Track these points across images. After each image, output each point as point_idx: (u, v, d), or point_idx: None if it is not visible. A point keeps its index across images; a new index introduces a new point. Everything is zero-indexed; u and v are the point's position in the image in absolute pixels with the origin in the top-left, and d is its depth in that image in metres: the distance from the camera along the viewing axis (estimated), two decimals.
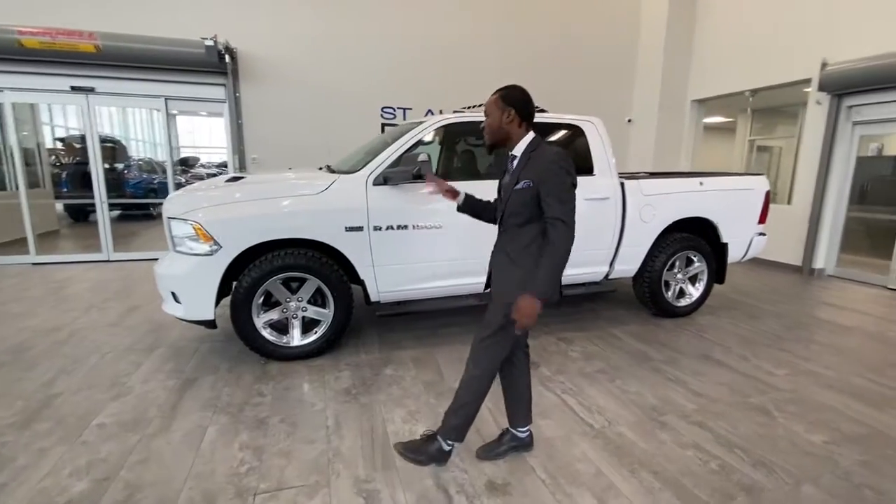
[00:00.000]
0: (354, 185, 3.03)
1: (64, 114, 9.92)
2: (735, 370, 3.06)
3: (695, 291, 4.17)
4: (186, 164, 14.48)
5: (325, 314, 3.09)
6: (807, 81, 5.94)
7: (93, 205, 6.02)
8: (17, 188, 5.83)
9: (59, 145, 9.61)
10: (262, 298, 2.96)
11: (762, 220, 4.28)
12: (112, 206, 6.18)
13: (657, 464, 2.05)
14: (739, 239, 4.21)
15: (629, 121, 8.02)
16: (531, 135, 1.84)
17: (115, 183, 9.04)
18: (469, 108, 3.58)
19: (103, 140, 10.63)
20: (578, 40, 7.54)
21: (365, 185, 3.03)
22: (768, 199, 4.28)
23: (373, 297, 3.21)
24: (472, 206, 2.17)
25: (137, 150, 11.53)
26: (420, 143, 3.19)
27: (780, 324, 4.02)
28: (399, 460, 2.02)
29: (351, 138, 6.51)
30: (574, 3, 7.47)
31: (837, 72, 5.41)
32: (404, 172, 2.93)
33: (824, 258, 5.95)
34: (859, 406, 2.60)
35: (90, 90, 5.71)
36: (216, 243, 2.78)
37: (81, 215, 8.77)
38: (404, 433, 2.25)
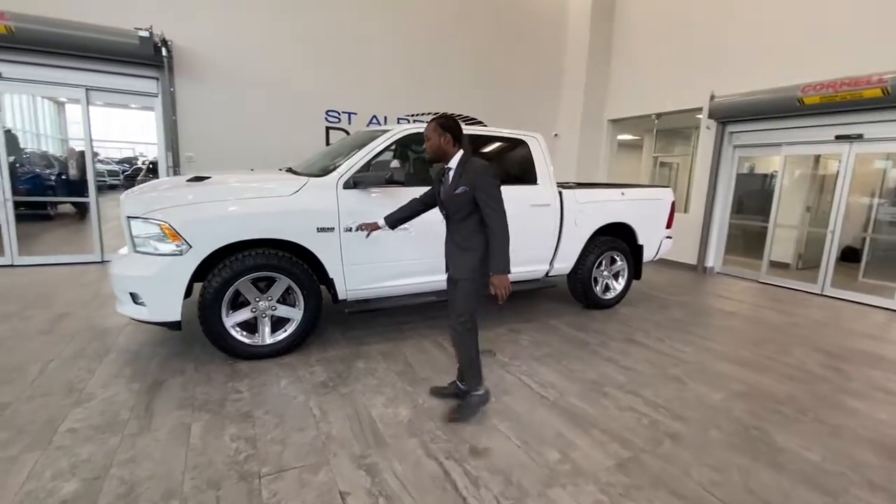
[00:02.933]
0: (326, 187, 3.17)
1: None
2: (654, 349, 3.67)
3: (618, 286, 4.82)
4: (83, 157, 13.00)
5: (296, 312, 3.18)
6: (699, 109, 7.06)
7: None
8: None
9: None
10: (230, 298, 2.99)
11: (669, 225, 5.07)
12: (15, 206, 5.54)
13: (603, 423, 2.49)
14: (652, 241, 4.96)
15: (556, 135, 8.83)
16: (461, 151, 2.36)
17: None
18: (413, 117, 3.87)
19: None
20: (510, 59, 8.18)
21: (336, 187, 3.19)
22: (674, 208, 5.08)
23: (341, 296, 3.35)
24: (398, 220, 2.76)
25: (29, 143, 10.20)
26: (386, 149, 3.42)
27: (684, 312, 4.80)
28: (390, 438, 2.24)
29: (294, 140, 6.51)
30: (505, 24, 8.10)
31: (723, 103, 6.53)
32: (377, 177, 3.13)
33: (713, 258, 7.09)
34: (745, 372, 3.29)
35: None
36: (185, 243, 2.78)
37: None
38: (389, 416, 2.46)
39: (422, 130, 3.68)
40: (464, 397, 2.54)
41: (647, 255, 4.95)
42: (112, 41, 5.12)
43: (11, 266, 5.45)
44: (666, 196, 5.01)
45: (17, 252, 5.52)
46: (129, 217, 2.84)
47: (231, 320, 3.00)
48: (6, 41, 4.83)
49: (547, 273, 4.36)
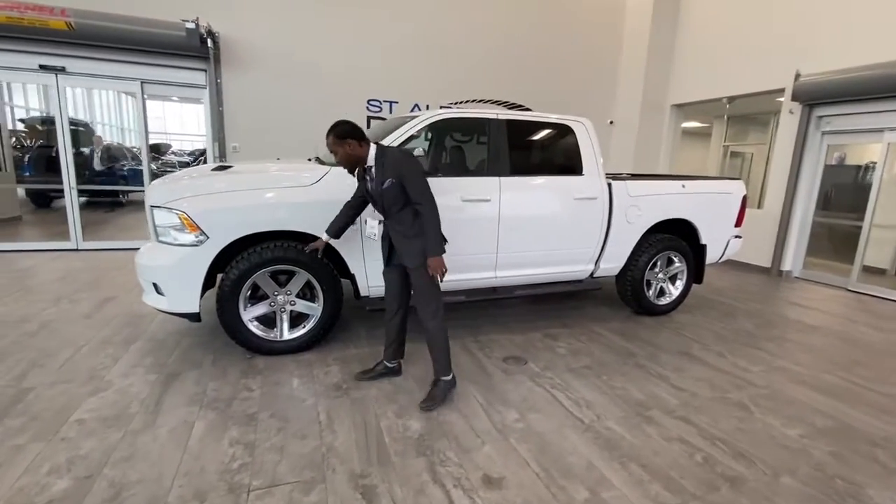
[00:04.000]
0: (347, 177, 2.98)
1: (24, 94, 9.41)
2: (713, 367, 3.18)
3: (674, 290, 4.30)
4: (157, 150, 13.94)
5: (315, 308, 3.04)
6: (781, 91, 6.19)
7: (57, 191, 5.73)
8: None
9: (21, 127, 9.10)
10: (248, 292, 2.90)
11: (739, 223, 4.45)
12: (79, 193, 5.90)
13: (645, 457, 2.12)
14: (718, 241, 4.37)
15: (611, 122, 8.18)
16: (373, 147, 2.36)
17: (80, 168, 8.63)
18: (457, 103, 3.58)
19: (74, 123, 10.16)
20: (564, 41, 7.63)
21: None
22: (745, 204, 4.45)
23: (362, 292, 3.18)
24: (338, 230, 2.75)
25: (105, 135, 11.03)
26: (412, 137, 3.17)
27: (752, 322, 4.19)
28: (395, 455, 2.02)
29: None
30: (560, 5, 7.55)
31: (810, 83, 5.66)
32: None
33: (791, 260, 6.24)
34: (830, 401, 2.75)
35: (60, 70, 5.43)
36: (203, 234, 2.70)
37: (44, 201, 8.34)
38: (398, 428, 2.25)
39: (455, 115, 3.43)
40: (434, 384, 2.54)
41: (711, 256, 4.37)
42: (161, 34, 5.26)
43: (76, 250, 5.82)
44: (736, 189, 4.39)
45: (80, 237, 5.89)
46: (151, 206, 2.81)
47: (249, 314, 2.91)
48: (67, 37, 5.08)
49: (592, 274, 3.95)
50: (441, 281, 2.37)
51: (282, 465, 1.94)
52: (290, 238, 2.93)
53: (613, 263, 3.97)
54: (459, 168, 3.89)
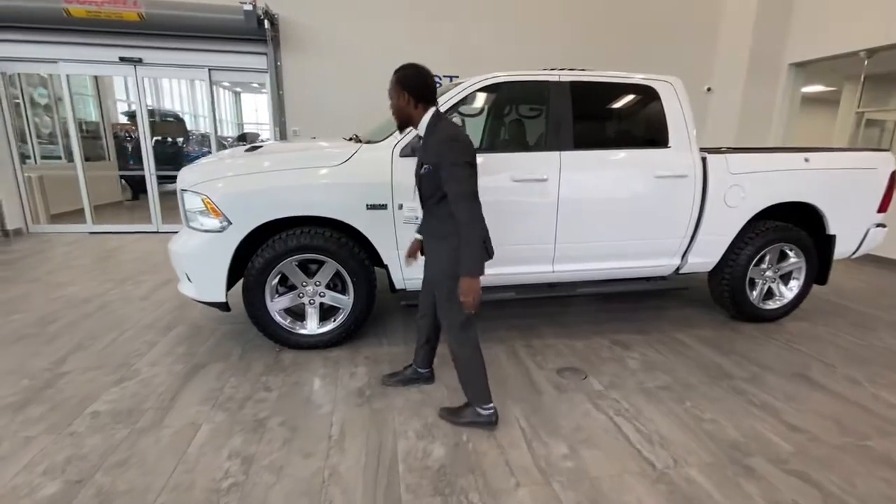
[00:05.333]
0: (378, 156, 2.63)
1: (125, 88, 10.30)
2: (842, 397, 2.41)
3: (787, 292, 3.43)
4: (244, 140, 14.83)
5: (345, 301, 2.77)
6: None
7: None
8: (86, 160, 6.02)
9: (126, 120, 10.04)
10: (276, 281, 2.69)
11: (883, 207, 3.43)
12: (165, 179, 6.26)
13: None
14: (852, 230, 3.40)
15: (708, 89, 6.99)
16: (429, 113, 1.86)
17: (175, 157, 9.30)
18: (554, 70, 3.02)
19: (165, 115, 11.02)
20: None
21: (391, 156, 2.63)
22: (893, 183, 3.41)
23: (397, 285, 2.84)
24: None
25: (200, 126, 11.88)
26: (457, 106, 2.72)
27: None
28: (406, 491, 1.66)
29: None
30: None
31: None
32: None
33: None
34: None
35: (138, 61, 5.71)
36: (226, 219, 2.52)
37: (142, 188, 9.15)
38: (417, 453, 1.88)
39: (508, 79, 2.90)
40: (466, 405, 2.09)
41: (842, 250, 3.42)
42: (221, 18, 5.28)
43: (156, 232, 6.21)
44: (883, 164, 3.36)
45: (161, 220, 6.27)
46: (181, 190, 2.68)
47: (276, 305, 2.71)
48: (140, 28, 5.29)
49: (677, 269, 3.25)
50: (469, 311, 1.81)
51: (275, 490, 1.67)
52: (321, 224, 2.66)
53: (706, 258, 3.22)
54: (516, 143, 3.38)
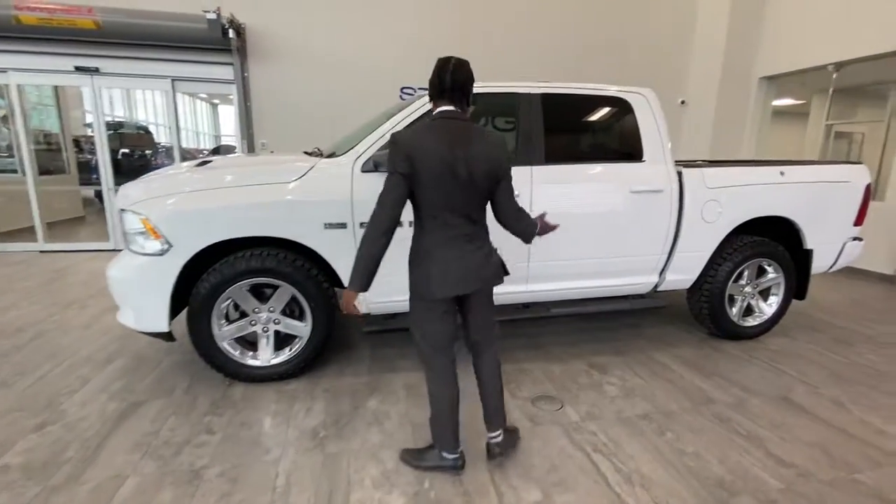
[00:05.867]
0: (337, 171, 2.45)
1: (111, 101, 9.89)
2: (828, 423, 2.29)
3: (767, 308, 3.34)
4: (217, 153, 14.44)
5: (302, 328, 2.55)
6: None
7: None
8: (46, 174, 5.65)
9: (89, 132, 9.63)
10: (225, 307, 2.46)
11: (859, 220, 3.39)
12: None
13: None
14: (828, 244, 3.35)
15: (682, 102, 7.04)
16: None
17: (143, 169, 8.91)
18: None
19: (133, 126, 10.60)
20: (622, 8, 6.61)
21: (351, 171, 2.45)
22: (868, 196, 3.38)
23: (361, 309, 2.63)
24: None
25: (172, 138, 11.47)
26: (424, 117, 2.56)
27: (879, 354, 3.15)
28: None
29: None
30: None
31: None
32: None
33: None
34: None
35: (95, 70, 5.43)
36: (167, 241, 2.29)
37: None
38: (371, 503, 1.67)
39: (482, 90, 2.75)
40: (431, 447, 1.86)
41: (820, 264, 3.37)
42: (184, 27, 5.07)
43: (113, 251, 5.85)
44: (857, 177, 3.33)
45: (119, 237, 5.92)
46: (120, 209, 2.44)
47: (225, 334, 2.48)
48: (97, 36, 5.03)
49: (655, 287, 3.13)
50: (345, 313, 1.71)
51: None
52: (280, 245, 2.45)
53: (684, 275, 3.12)
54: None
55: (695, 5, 6.80)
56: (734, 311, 3.27)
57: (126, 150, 9.28)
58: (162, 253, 2.30)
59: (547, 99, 2.74)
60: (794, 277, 3.30)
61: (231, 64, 5.59)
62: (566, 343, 3.20)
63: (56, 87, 7.51)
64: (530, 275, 2.80)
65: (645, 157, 2.87)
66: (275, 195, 2.35)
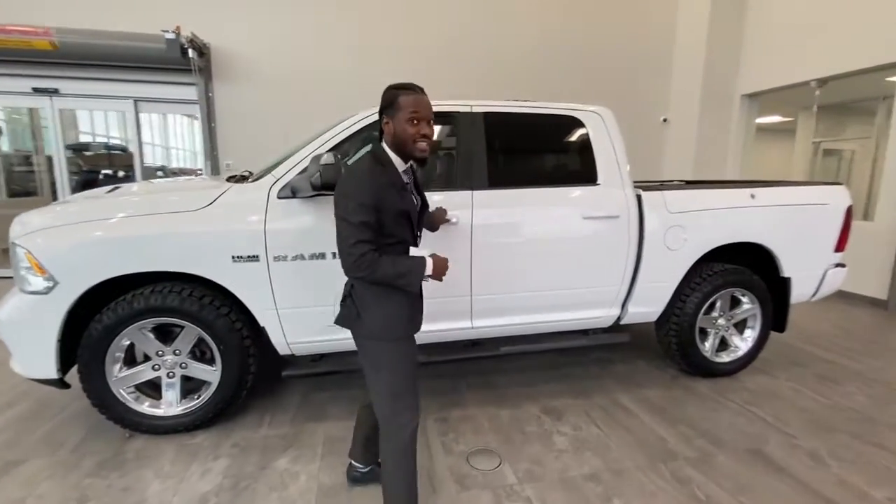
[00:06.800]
0: (250, 198, 2.21)
1: (106, 121, 9.81)
2: (805, 485, 1.99)
3: (742, 343, 3.06)
4: (184, 173, 14.27)
5: (210, 373, 2.28)
6: (894, 66, 4.67)
7: None
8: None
9: (71, 153, 9.50)
10: (121, 352, 2.19)
11: (840, 246, 3.13)
12: None
13: None
14: (808, 272, 3.08)
15: (664, 120, 6.86)
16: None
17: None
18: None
19: (111, 147, 10.50)
20: (601, 26, 6.50)
21: (266, 198, 2.21)
22: (850, 218, 3.13)
23: (281, 350, 2.37)
24: None
25: (153, 158, 11.36)
26: (343, 145, 2.33)
27: (867, 393, 2.85)
28: None
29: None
30: None
31: None
32: (304, 181, 2.07)
33: None
34: None
35: (53, 91, 5.28)
36: (52, 278, 2.04)
37: None
38: None
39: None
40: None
41: (800, 292, 3.10)
42: (142, 47, 4.92)
43: None
44: (835, 199, 3.08)
45: None
46: (11, 242, 2.20)
47: (123, 381, 2.21)
48: (55, 57, 4.89)
49: (618, 320, 2.86)
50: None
51: None
52: (189, 280, 2.20)
53: (649, 307, 2.85)
54: (444, 179, 2.98)
55: (674, 23, 6.69)
56: (706, 346, 2.98)
57: (108, 171, 9.16)
58: (47, 291, 2.05)
59: (490, 118, 2.52)
60: (771, 308, 3.03)
61: (193, 84, 5.44)
62: (522, 382, 2.91)
63: (29, 109, 7.41)
64: (475, 309, 2.53)
65: (599, 181, 2.63)
66: (174, 226, 2.11)
